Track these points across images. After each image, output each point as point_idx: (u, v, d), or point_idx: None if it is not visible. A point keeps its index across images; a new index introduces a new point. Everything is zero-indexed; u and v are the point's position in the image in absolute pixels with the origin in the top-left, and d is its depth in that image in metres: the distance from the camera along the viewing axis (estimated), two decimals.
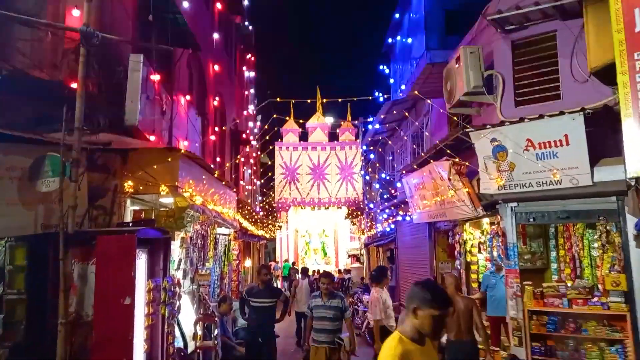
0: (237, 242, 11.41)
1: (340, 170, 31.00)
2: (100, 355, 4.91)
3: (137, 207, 6.82)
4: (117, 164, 6.41)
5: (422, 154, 8.25)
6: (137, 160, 6.45)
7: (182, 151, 6.64)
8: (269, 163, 30.19)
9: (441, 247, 10.55)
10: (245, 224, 12.86)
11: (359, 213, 22.82)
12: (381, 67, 14.49)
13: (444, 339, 7.50)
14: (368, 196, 21.43)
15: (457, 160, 7.19)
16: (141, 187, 6.29)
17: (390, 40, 13.97)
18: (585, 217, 6.37)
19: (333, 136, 31.68)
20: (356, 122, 22.12)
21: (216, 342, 6.94)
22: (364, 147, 15.61)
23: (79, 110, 5.51)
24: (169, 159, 6.73)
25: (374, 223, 19.49)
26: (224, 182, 9.48)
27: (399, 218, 11.56)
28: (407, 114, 11.63)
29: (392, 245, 14.89)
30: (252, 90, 23.10)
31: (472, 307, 5.97)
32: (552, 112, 6.18)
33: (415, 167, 8.52)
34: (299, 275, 28.14)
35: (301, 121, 30.64)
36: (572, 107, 6.18)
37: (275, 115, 12.39)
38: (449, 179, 7.36)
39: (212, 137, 11.98)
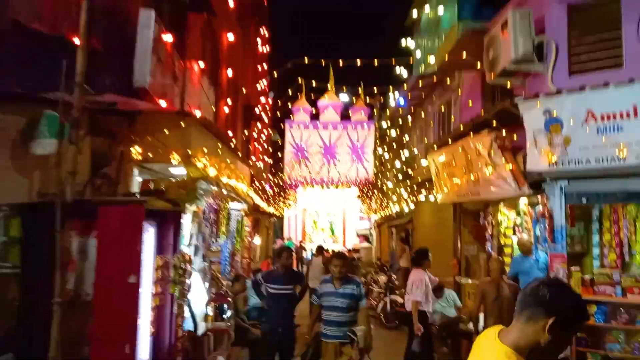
0: (249, 218, 10.82)
1: (351, 150, 30.29)
2: (100, 339, 4.34)
3: (145, 177, 6.18)
4: (124, 128, 5.75)
5: (460, 127, 7.51)
6: (146, 125, 5.79)
7: (197, 117, 5.96)
8: (279, 142, 29.50)
9: (467, 229, 9.89)
10: (258, 200, 12.25)
11: (372, 192, 22.13)
12: (404, 41, 13.56)
13: (480, 324, 6.97)
14: (383, 175, 20.72)
15: (501, 133, 6.45)
16: (150, 155, 5.64)
17: (415, 12, 13.02)
18: None
19: (345, 116, 30.90)
20: (371, 99, 21.10)
21: (229, 324, 6.38)
22: (386, 123, 14.83)
23: (81, 65, 4.84)
24: (182, 125, 6.06)
25: (388, 202, 18.85)
26: (239, 154, 8.81)
27: (421, 198, 10.87)
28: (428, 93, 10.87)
29: (409, 226, 14.25)
30: (265, 66, 22.25)
31: (517, 294, 5.43)
32: (617, 81, 5.41)
33: (449, 141, 7.79)
34: (306, 253, 27.87)
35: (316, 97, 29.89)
36: (636, 76, 5.41)
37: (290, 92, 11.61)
38: (489, 155, 6.65)
39: (226, 109, 11.27)
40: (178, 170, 6.24)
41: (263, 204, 14.38)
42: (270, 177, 23.51)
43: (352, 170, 29.81)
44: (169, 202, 5.34)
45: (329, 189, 30.62)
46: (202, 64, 9.17)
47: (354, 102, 30.21)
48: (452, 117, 10.52)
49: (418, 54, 13.17)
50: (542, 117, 5.86)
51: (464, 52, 8.29)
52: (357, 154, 30.14)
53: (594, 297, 5.87)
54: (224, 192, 7.81)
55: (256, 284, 6.12)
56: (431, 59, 10.06)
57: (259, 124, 20.23)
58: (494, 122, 6.44)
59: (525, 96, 6.04)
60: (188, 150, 5.93)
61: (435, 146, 8.74)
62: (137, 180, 5.94)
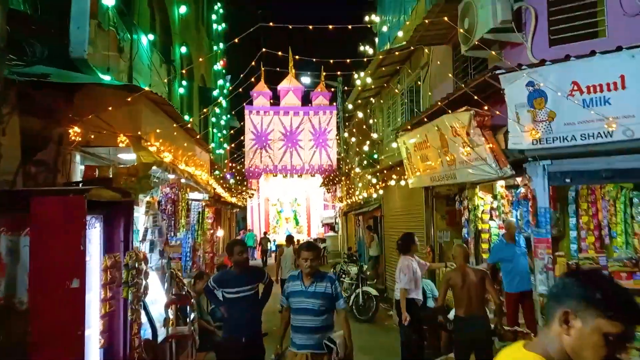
0: (211, 209, 10.10)
1: (314, 137, 29.66)
2: (40, 356, 3.66)
3: (89, 164, 5.42)
4: (61, 106, 4.97)
5: (434, 105, 7.08)
6: (87, 102, 5.02)
7: (147, 90, 5.23)
8: (240, 125, 28.57)
9: (440, 214, 9.59)
10: (219, 189, 11.53)
11: (337, 180, 21.71)
12: (367, 17, 13.06)
13: (451, 314, 6.67)
14: (348, 161, 20.29)
15: (481, 110, 6.06)
16: (93, 137, 4.90)
17: None
18: (636, 176, 5.41)
19: (306, 101, 30.26)
20: (335, 82, 20.56)
21: (193, 327, 5.74)
22: (350, 106, 14.34)
23: (1, 28, 4.08)
24: (130, 102, 5.32)
25: (353, 190, 18.47)
26: (198, 138, 8.09)
27: (392, 182, 10.48)
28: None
29: (378, 213, 13.91)
30: (221, 45, 21.24)
31: (484, 279, 5.38)
32: (604, 50, 5.10)
33: (424, 119, 7.36)
34: (270, 245, 27.26)
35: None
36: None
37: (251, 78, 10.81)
38: (467, 134, 6.26)
39: (181, 90, 10.46)
40: (127, 155, 5.50)
41: (225, 194, 13.64)
42: (231, 165, 22.68)
43: (315, 157, 29.23)
44: (118, 192, 4.63)
45: (292, 178, 30.01)
46: (151, 37, 8.34)
47: (318, 85, 29.57)
48: (421, 96, 10.14)
49: (384, 29, 12.71)
50: (525, 90, 5.50)
51: (434, 25, 7.86)
52: (320, 141, 29.60)
53: None
54: (182, 180, 7.11)
55: (209, 291, 5.02)
56: (399, 34, 9.60)
57: (217, 109, 19.35)
58: (474, 97, 6.03)
59: (506, 68, 5.66)
60: (138, 131, 5.21)
61: (409, 126, 8.30)
62: (79, 167, 5.19)
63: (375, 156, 14.69)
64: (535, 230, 5.85)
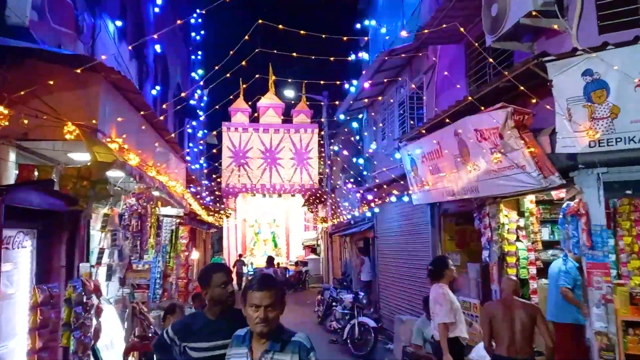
0: (186, 227, 8.76)
1: (294, 155, 28.60)
2: None
3: (27, 162, 4.12)
4: None
5: (455, 105, 6.02)
6: (24, 79, 3.77)
7: (108, 68, 4.01)
8: (216, 142, 27.26)
9: (448, 234, 8.50)
10: (195, 206, 10.20)
11: (321, 199, 20.55)
12: (359, 24, 12.21)
13: (477, 351, 5.57)
14: (333, 177, 19.18)
15: (521, 108, 5.02)
16: (26, 122, 3.63)
17: None
18: None
19: (287, 115, 29.24)
20: (320, 96, 19.59)
21: None
22: (343, 117, 13.28)
23: None
24: (84, 82, 4.09)
25: (338, 209, 17.31)
26: (172, 140, 6.83)
27: (393, 199, 9.38)
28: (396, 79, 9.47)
29: (370, 234, 12.74)
30: (199, 55, 20.09)
31: (536, 316, 4.50)
32: None
33: (446, 120, 6.28)
34: (247, 268, 25.68)
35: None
36: None
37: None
38: (500, 136, 5.21)
39: (154, 91, 9.20)
40: (80, 155, 4.22)
41: (201, 211, 12.27)
42: (208, 182, 21.29)
43: (296, 176, 28.12)
44: (59, 198, 3.35)
45: (271, 197, 28.68)
46: (119, 23, 7.12)
47: (299, 102, 28.65)
48: (425, 103, 9.15)
49: (372, 40, 11.82)
50: (580, 80, 4.50)
51: (447, 19, 6.92)
52: (301, 159, 28.53)
53: None
54: (153, 191, 5.82)
55: (161, 347, 2.87)
56: (402, 34, 8.63)
57: (194, 122, 18.06)
58: (504, 93, 5.00)
59: (555, 54, 4.66)
60: (93, 120, 3.96)
61: (423, 130, 7.20)
62: (12, 166, 3.88)
63: (365, 172, 13.64)
64: (590, 253, 4.79)
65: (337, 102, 17.98)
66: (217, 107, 12.65)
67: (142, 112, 4.92)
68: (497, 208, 6.50)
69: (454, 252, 8.44)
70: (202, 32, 19.34)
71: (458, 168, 6.61)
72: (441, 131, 6.82)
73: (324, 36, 8.61)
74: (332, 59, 10.25)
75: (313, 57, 8.89)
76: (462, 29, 6.31)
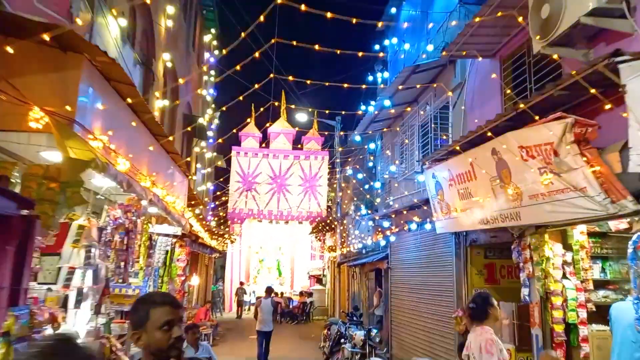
0: (184, 249, 7.90)
1: (303, 181, 27.91)
2: None
3: None
4: None
5: (491, 122, 5.23)
6: None
7: (92, 47, 3.30)
8: (224, 166, 26.67)
9: (476, 268, 7.59)
10: (197, 226, 9.39)
11: (330, 227, 19.65)
12: (377, 45, 11.66)
13: None
14: (345, 206, 18.33)
15: (584, 119, 4.23)
16: None
17: (393, 10, 11.17)
18: None
19: (298, 142, 28.71)
20: (334, 121, 18.98)
21: None
22: (359, 138, 12.56)
23: None
24: (63, 65, 3.39)
25: (348, 238, 16.40)
26: (175, 152, 6.09)
27: (413, 226, 8.51)
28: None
29: (382, 265, 11.80)
30: (212, 78, 19.65)
31: None
32: None
33: (488, 133, 5.47)
34: (247, 297, 24.58)
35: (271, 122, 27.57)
36: None
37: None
38: (555, 153, 4.40)
39: (160, 103, 8.51)
40: (52, 154, 3.46)
41: (204, 234, 11.45)
42: (214, 205, 20.55)
43: (304, 202, 27.30)
44: (13, 199, 2.58)
45: (277, 224, 27.79)
46: (123, 22, 6.50)
47: (310, 129, 28.25)
48: (451, 123, 8.40)
49: (390, 60, 11.22)
50: None
51: (481, 29, 6.25)
52: (310, 186, 27.79)
53: None
54: (148, 205, 5.03)
55: None
56: (428, 48, 7.96)
57: (202, 143, 17.45)
58: (562, 103, 4.22)
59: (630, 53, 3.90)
60: (67, 106, 3.21)
61: (457, 147, 6.36)
62: None
63: (378, 200, 12.81)
64: None
65: (346, 132, 17.39)
66: (233, 130, 12.12)
67: (133, 123, 4.19)
68: (540, 239, 5.62)
69: (481, 288, 7.50)
70: (217, 52, 19.00)
71: (495, 192, 5.78)
72: (474, 150, 6.04)
73: (338, 52, 8.10)
74: (345, 85, 9.73)
75: (327, 84, 8.36)
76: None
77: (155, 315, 1.89)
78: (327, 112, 17.29)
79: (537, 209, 5.06)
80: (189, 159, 15.85)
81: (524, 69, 6.52)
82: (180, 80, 10.59)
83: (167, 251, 6.49)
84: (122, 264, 4.38)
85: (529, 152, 4.91)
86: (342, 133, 18.32)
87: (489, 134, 5.33)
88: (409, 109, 9.73)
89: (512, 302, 6.54)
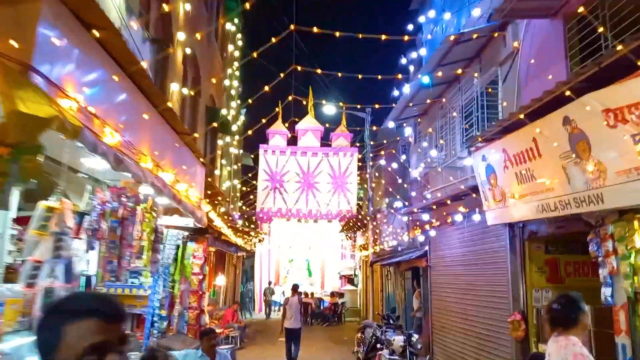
0: (201, 244, 7.12)
1: (332, 179, 27.04)
2: None
3: None
4: None
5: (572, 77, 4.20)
6: None
7: None
8: (252, 164, 26.11)
9: (535, 265, 6.53)
10: (219, 222, 8.63)
11: (361, 223, 18.70)
12: (410, 27, 10.62)
13: None
14: (377, 201, 17.35)
15: None
16: None
17: None
18: None
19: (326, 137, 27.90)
20: (364, 113, 18.00)
21: None
22: (393, 124, 11.57)
23: None
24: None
25: (382, 235, 15.42)
26: (188, 134, 5.31)
27: (458, 217, 7.50)
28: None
29: (421, 263, 10.79)
30: (236, 72, 19.03)
31: None
32: None
33: (539, 113, 4.46)
34: (276, 297, 23.89)
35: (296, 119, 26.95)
36: None
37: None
38: None
39: (175, 87, 7.77)
40: None
41: (227, 231, 10.70)
42: (240, 204, 19.94)
43: (334, 201, 26.41)
44: None
45: (306, 223, 26.99)
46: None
47: (339, 125, 27.43)
48: (499, 99, 7.35)
49: (426, 40, 10.21)
50: None
51: None
52: (339, 184, 26.89)
53: None
54: (146, 189, 4.24)
55: None
56: (474, 12, 6.94)
57: (227, 138, 16.81)
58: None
59: None
60: (11, 40, 2.43)
61: (510, 124, 5.34)
62: None
63: (413, 193, 11.79)
64: None
65: (376, 125, 16.40)
66: (263, 120, 11.43)
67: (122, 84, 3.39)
68: (628, 227, 4.55)
69: (544, 288, 6.47)
70: (240, 42, 18.34)
71: (567, 170, 4.75)
72: (539, 122, 5.01)
73: (360, 36, 7.45)
74: (379, 77, 8.87)
75: (359, 76, 7.76)
76: None
77: (71, 334, 1.05)
78: (358, 106, 16.47)
79: (628, 189, 4.02)
80: (212, 155, 15.24)
81: (595, 26, 5.43)
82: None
83: (177, 246, 5.73)
84: (115, 259, 3.61)
85: (619, 116, 3.88)
86: (374, 128, 17.31)
87: (567, 94, 4.28)
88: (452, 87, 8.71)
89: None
